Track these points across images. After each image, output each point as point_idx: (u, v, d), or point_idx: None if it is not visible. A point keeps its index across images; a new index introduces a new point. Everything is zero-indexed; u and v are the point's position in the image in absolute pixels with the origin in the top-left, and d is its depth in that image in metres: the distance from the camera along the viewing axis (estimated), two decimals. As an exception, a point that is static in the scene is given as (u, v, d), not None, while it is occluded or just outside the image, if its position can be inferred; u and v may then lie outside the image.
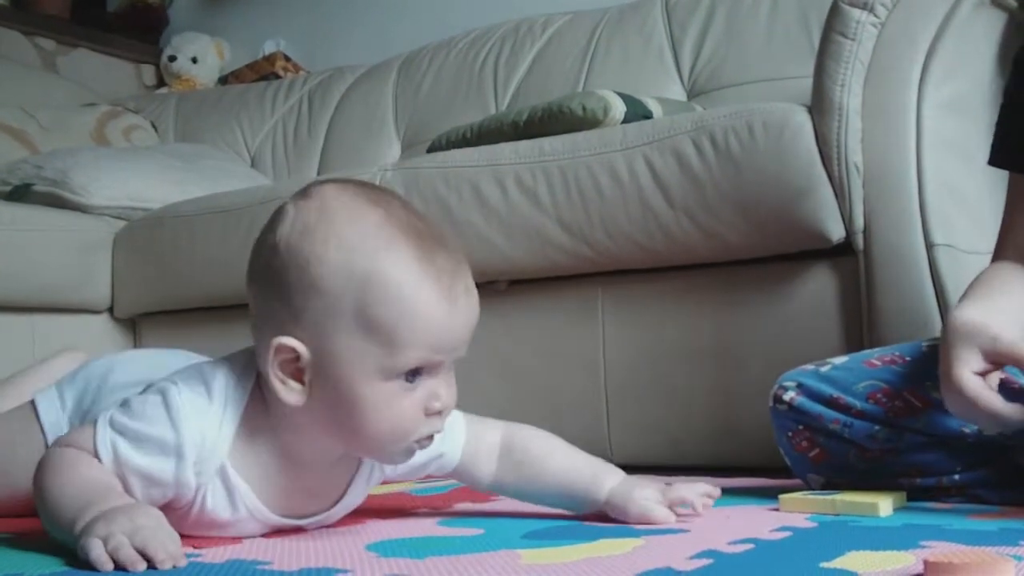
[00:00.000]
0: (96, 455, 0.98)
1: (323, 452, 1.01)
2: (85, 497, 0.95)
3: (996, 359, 1.02)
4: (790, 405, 1.21)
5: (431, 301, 0.93)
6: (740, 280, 1.61)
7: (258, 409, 0.99)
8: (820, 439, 1.20)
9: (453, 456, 1.12)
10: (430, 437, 0.99)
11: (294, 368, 0.95)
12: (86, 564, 0.87)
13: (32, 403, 1.18)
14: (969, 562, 0.72)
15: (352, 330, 0.93)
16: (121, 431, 0.98)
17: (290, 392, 0.96)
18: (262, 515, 1.02)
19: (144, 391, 1.04)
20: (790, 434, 1.22)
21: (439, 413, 0.97)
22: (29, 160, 2.43)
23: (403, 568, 0.86)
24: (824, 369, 1.23)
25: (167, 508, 0.98)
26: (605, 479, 1.12)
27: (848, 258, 1.50)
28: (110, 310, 2.28)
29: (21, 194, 2.31)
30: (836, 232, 1.48)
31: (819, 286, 1.53)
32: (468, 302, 0.96)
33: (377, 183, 1.87)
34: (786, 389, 1.22)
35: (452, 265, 0.95)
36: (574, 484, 1.13)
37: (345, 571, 0.86)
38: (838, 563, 0.83)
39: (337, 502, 1.07)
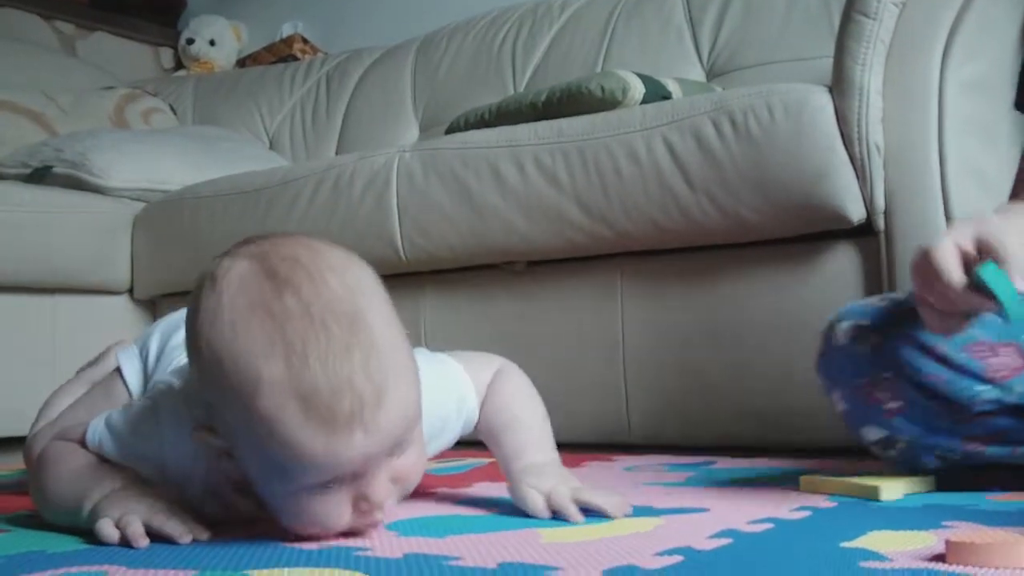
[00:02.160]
0: (83, 442, 1.00)
1: None
2: (90, 479, 0.96)
3: (981, 247, 0.93)
4: (875, 348, 1.06)
5: (316, 443, 0.82)
6: (760, 261, 1.60)
7: None
8: (909, 391, 1.06)
9: (472, 418, 1.10)
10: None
11: (223, 448, 0.91)
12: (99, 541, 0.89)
13: (118, 369, 1.19)
14: (991, 542, 0.72)
15: (246, 447, 0.87)
16: (112, 431, 1.00)
17: (224, 469, 0.94)
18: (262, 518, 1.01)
19: (146, 394, 1.04)
20: (863, 380, 1.07)
21: (372, 510, 0.89)
22: (49, 143, 2.43)
23: (423, 547, 0.86)
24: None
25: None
26: (528, 454, 1.06)
27: (869, 238, 1.50)
28: (130, 291, 2.29)
29: (41, 176, 2.31)
30: (856, 212, 1.47)
31: (839, 267, 1.53)
32: (372, 423, 0.83)
33: (395, 163, 1.87)
34: (864, 329, 1.07)
35: (347, 385, 0.82)
36: (504, 448, 1.08)
37: (365, 549, 0.86)
38: (858, 543, 0.82)
39: None
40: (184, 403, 0.97)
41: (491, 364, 1.14)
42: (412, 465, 0.92)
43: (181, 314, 1.06)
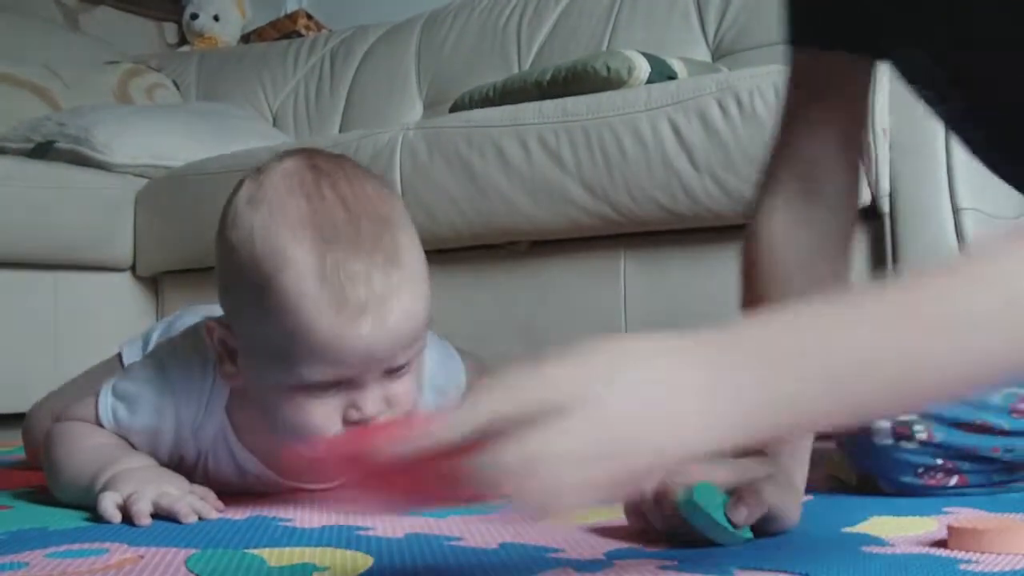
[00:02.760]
0: (98, 421, 1.00)
1: None
2: (102, 459, 0.96)
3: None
4: (923, 442, 0.99)
5: (323, 319, 0.86)
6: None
7: None
8: (965, 467, 1.00)
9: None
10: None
11: (229, 348, 0.94)
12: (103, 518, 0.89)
13: (118, 354, 1.19)
14: (993, 528, 0.72)
15: (256, 333, 0.90)
16: (121, 397, 1.00)
17: (225, 372, 0.96)
18: (269, 479, 1.02)
19: (146, 355, 1.05)
20: (920, 470, 1.00)
21: (363, 422, 0.90)
22: (52, 117, 2.43)
23: (424, 526, 0.86)
24: None
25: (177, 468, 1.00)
26: None
27: (874, 221, 1.49)
28: (132, 268, 2.28)
29: (44, 151, 2.31)
30: (862, 195, 1.46)
31: (844, 249, 1.52)
32: (379, 317, 0.87)
33: (398, 141, 1.86)
34: (911, 425, 0.99)
35: (364, 276, 0.86)
36: None
37: (366, 528, 0.86)
38: (861, 528, 0.82)
39: None
40: (186, 344, 1.01)
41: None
42: (405, 392, 0.92)
43: (184, 311, 1.07)
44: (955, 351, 0.51)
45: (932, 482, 1.00)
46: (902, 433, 0.99)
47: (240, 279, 0.90)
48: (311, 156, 0.94)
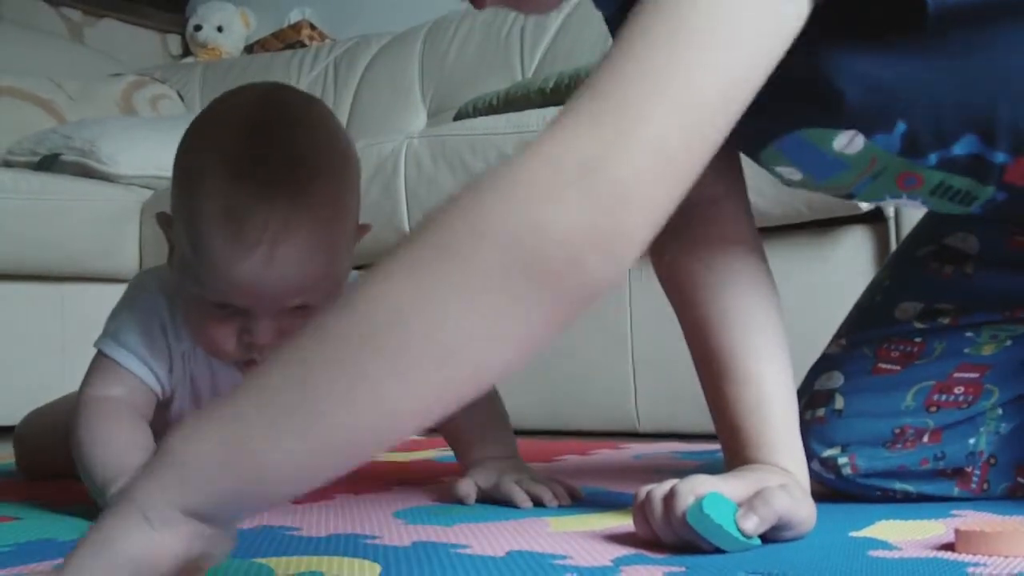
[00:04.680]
0: (122, 368, 1.04)
1: None
2: (118, 460, 0.96)
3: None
4: (858, 473, 0.97)
5: (218, 252, 0.91)
6: (770, 247, 1.57)
7: None
8: (910, 487, 0.98)
9: None
10: (250, 363, 0.98)
11: (171, 242, 1.01)
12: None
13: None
14: (1000, 531, 0.71)
15: (179, 238, 0.97)
16: (117, 329, 1.05)
17: (170, 263, 1.02)
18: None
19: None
20: (877, 494, 0.98)
21: (254, 347, 0.96)
22: (57, 130, 2.44)
23: (431, 535, 0.86)
24: (837, 407, 0.98)
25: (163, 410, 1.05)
26: (479, 449, 1.08)
27: (879, 224, 1.49)
28: (138, 279, 2.29)
29: (49, 164, 2.32)
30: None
31: (850, 252, 1.52)
32: (267, 259, 0.90)
33: (403, 150, 1.86)
34: (835, 459, 0.97)
35: (261, 218, 0.90)
36: (457, 438, 1.11)
37: (374, 537, 0.86)
38: (868, 532, 0.82)
39: None
40: (140, 278, 1.11)
41: None
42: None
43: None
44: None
45: (902, 496, 0.98)
46: (832, 468, 0.97)
47: (175, 184, 0.97)
48: (280, 92, 1.00)
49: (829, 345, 1.06)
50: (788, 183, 0.90)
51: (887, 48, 0.73)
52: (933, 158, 0.79)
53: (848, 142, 0.78)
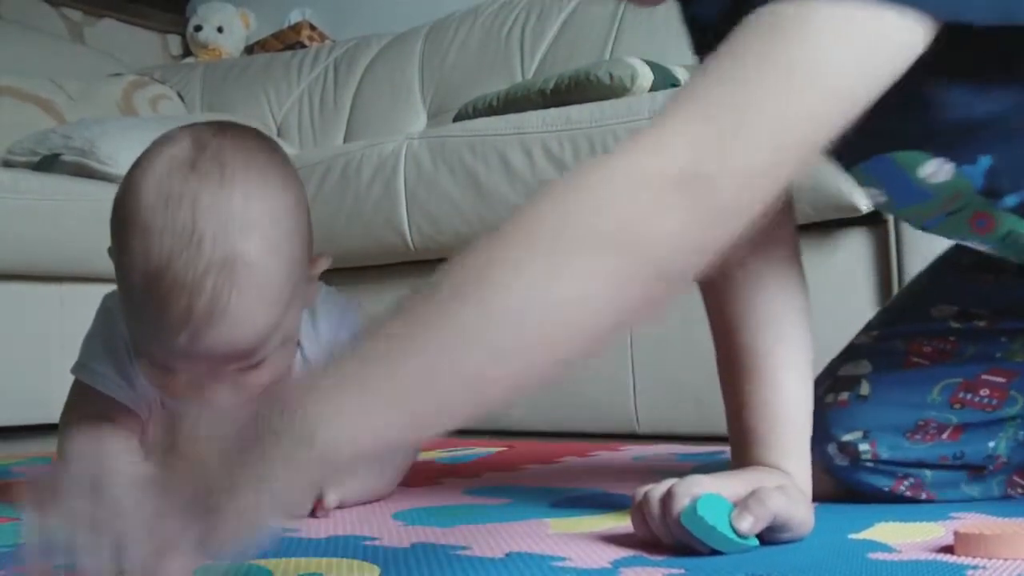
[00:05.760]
0: (99, 391, 1.02)
1: None
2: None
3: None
4: (874, 460, 0.97)
5: (145, 326, 0.87)
6: (768, 249, 1.60)
7: None
8: (927, 478, 0.97)
9: None
10: None
11: None
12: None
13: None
14: (1000, 533, 0.71)
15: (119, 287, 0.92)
16: (90, 355, 1.05)
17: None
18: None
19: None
20: (887, 488, 0.97)
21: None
22: (57, 130, 2.43)
23: (430, 536, 0.86)
24: (863, 393, 0.98)
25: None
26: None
27: (878, 227, 1.49)
28: (138, 279, 2.29)
29: (49, 164, 2.31)
30: (865, 201, 1.47)
31: (850, 254, 1.52)
32: (196, 333, 0.84)
33: (403, 151, 1.86)
34: (855, 444, 0.96)
35: (188, 290, 0.83)
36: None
37: (373, 539, 0.86)
38: (867, 534, 0.82)
39: None
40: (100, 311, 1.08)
41: None
42: (264, 384, 0.89)
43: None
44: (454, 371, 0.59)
45: (910, 493, 0.98)
46: (850, 453, 0.97)
47: (112, 236, 0.91)
48: (217, 137, 0.90)
49: (858, 336, 1.06)
50: (876, 205, 0.92)
51: (986, 83, 0.74)
52: (1010, 200, 0.80)
53: (935, 170, 0.80)
